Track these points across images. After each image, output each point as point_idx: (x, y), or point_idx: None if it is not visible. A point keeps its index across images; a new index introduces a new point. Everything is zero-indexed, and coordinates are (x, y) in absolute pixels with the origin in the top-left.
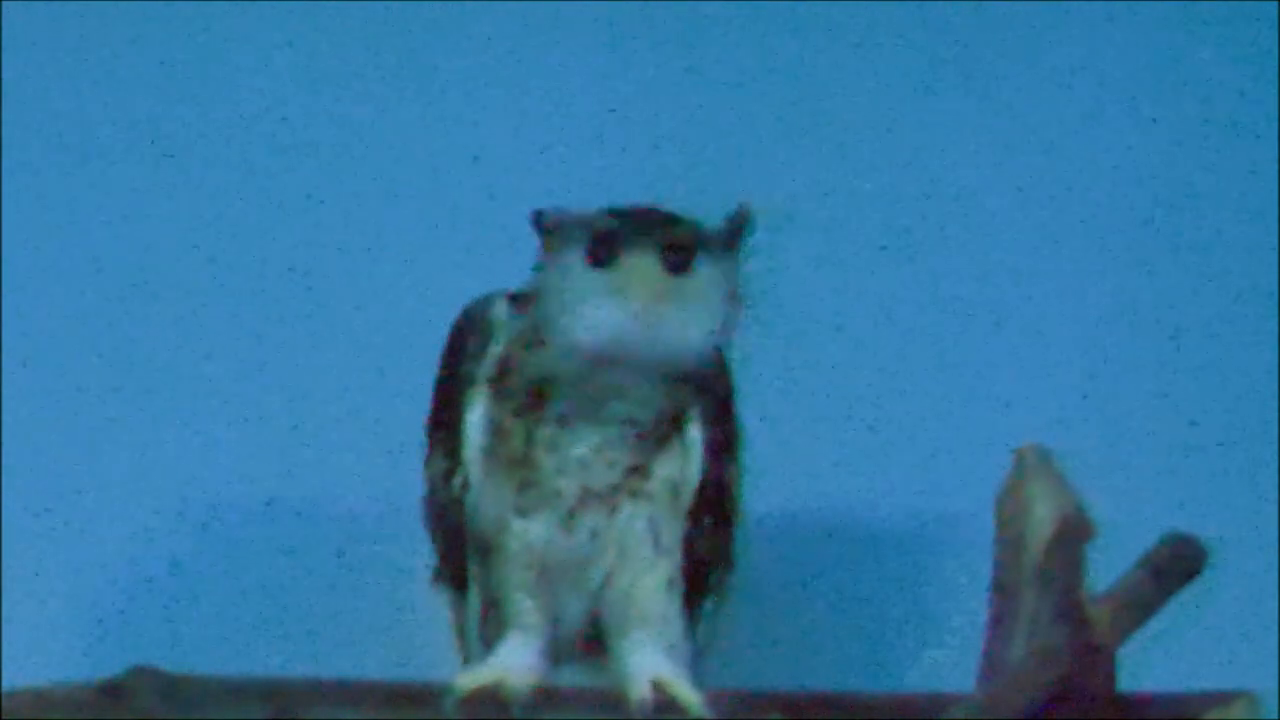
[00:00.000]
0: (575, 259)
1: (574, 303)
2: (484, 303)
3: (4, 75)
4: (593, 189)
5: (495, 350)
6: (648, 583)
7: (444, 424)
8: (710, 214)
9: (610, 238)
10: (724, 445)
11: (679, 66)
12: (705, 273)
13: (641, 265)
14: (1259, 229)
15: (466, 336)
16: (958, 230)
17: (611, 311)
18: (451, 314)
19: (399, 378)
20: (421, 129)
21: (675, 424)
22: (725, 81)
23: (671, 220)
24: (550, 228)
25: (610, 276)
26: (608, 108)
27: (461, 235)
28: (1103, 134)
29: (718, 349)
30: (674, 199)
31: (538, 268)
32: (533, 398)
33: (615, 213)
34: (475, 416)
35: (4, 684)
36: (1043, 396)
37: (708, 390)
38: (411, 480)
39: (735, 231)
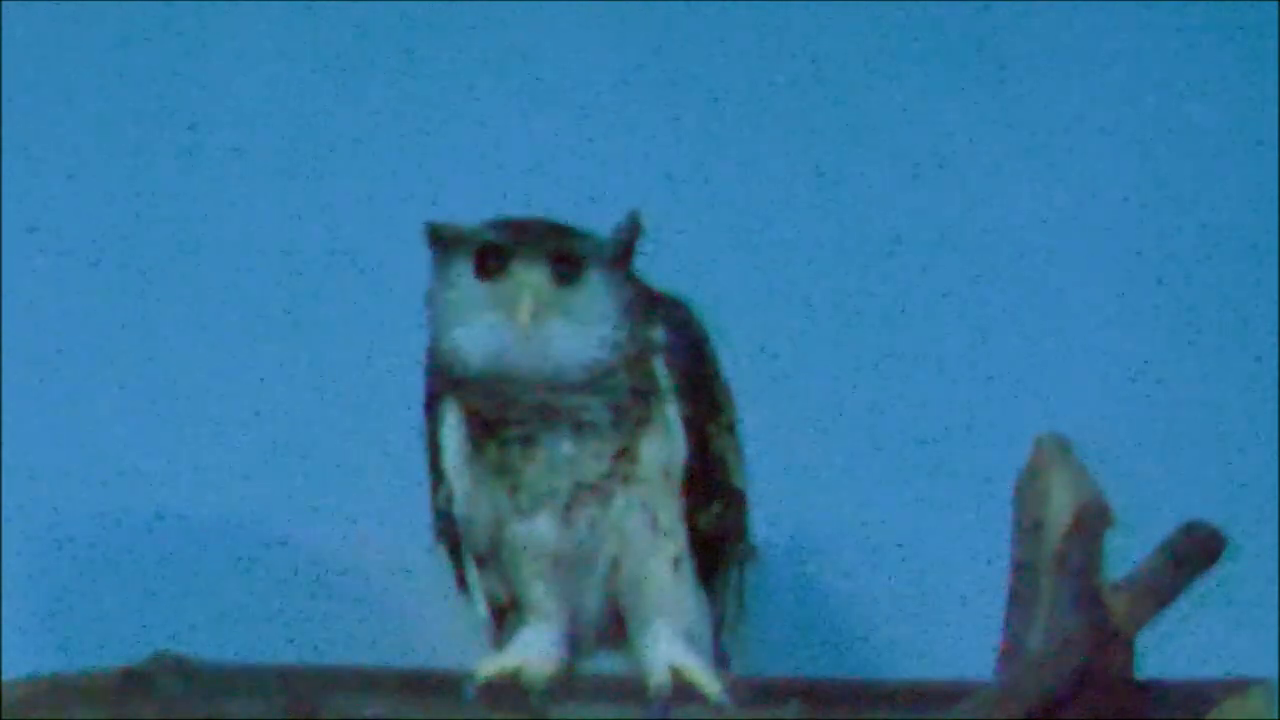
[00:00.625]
0: (464, 271)
1: (463, 316)
2: None
3: (4, 75)
4: (606, 169)
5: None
6: (654, 566)
7: (428, 435)
8: (717, 212)
9: (498, 249)
10: (707, 417)
11: (680, 66)
12: (595, 284)
13: (529, 277)
14: None
15: (432, 349)
16: (976, 221)
17: (498, 325)
18: None
19: (409, 366)
20: (418, 139)
21: (646, 406)
22: (729, 80)
23: (560, 231)
24: (441, 240)
25: (498, 289)
26: (600, 110)
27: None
28: (1116, 127)
29: (692, 320)
30: (675, 200)
31: (431, 281)
32: (487, 413)
33: (503, 224)
34: (449, 429)
35: (24, 671)
36: (1061, 383)
37: (680, 367)
38: (424, 471)
39: (626, 240)
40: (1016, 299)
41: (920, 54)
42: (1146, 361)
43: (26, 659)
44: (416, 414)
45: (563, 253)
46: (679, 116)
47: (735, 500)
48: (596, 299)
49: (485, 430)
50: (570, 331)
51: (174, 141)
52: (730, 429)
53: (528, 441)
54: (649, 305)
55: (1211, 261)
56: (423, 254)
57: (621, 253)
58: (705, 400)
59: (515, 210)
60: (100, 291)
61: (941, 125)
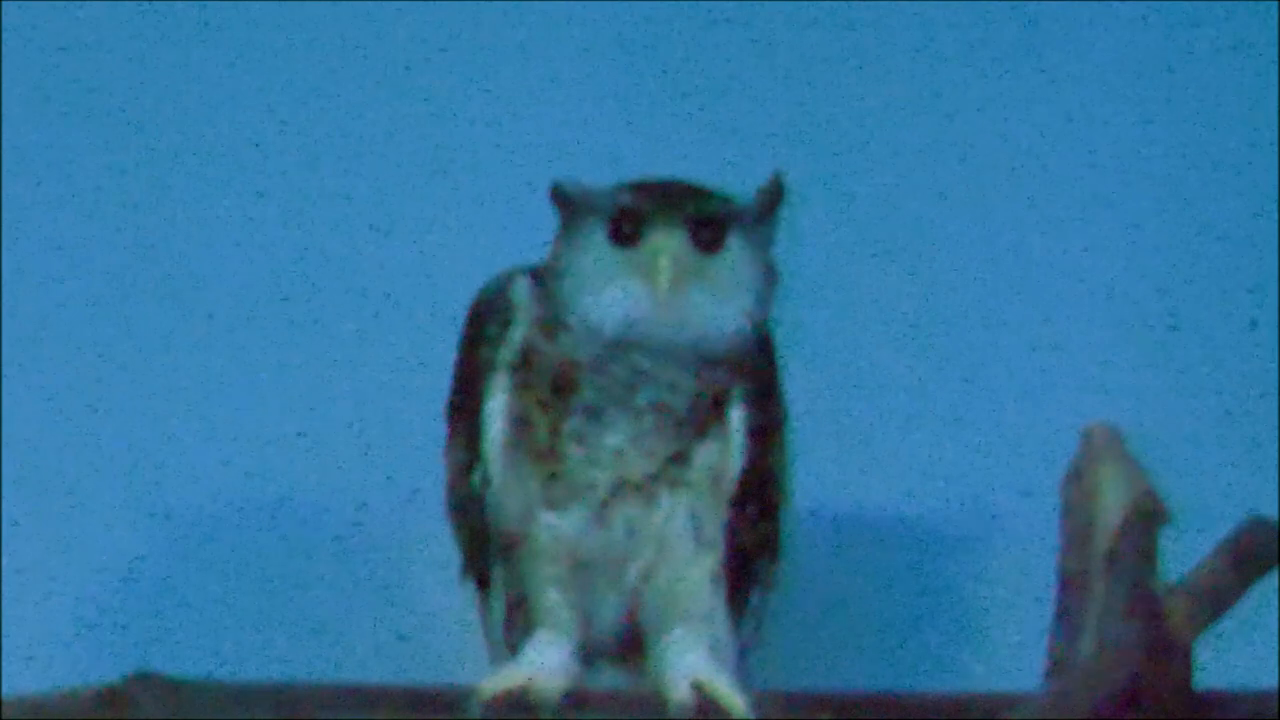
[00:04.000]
0: (597, 237)
1: (595, 284)
2: (503, 281)
3: (4, 75)
4: (607, 167)
5: (516, 333)
6: (690, 579)
7: (463, 413)
8: (739, 182)
9: (634, 214)
10: (768, 429)
11: (690, 56)
12: (737, 250)
13: (668, 243)
14: None
15: (485, 318)
16: (1011, 211)
17: (636, 294)
18: (468, 293)
19: (412, 364)
20: (434, 105)
21: (715, 408)
22: (739, 74)
23: (700, 194)
24: (570, 203)
25: (634, 256)
26: (624, 87)
27: (477, 209)
28: (1134, 121)
29: (760, 326)
30: (695, 168)
31: (557, 245)
32: (557, 386)
33: (639, 186)
34: (495, 405)
35: (3, 690)
36: (1110, 373)
37: (748, 371)
38: (427, 473)
39: (768, 204)
40: (1064, 284)
41: (921, 54)
42: (1202, 347)
43: (23, 678)
44: (421, 415)
45: (703, 217)
46: (691, 107)
47: (777, 521)
48: (738, 266)
49: (543, 406)
50: (711, 300)
51: (178, 128)
52: (785, 448)
53: (592, 417)
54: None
55: (1257, 249)
56: (435, 229)
57: (764, 217)
58: (770, 412)
59: (531, 183)
60: (104, 294)
61: (947, 126)
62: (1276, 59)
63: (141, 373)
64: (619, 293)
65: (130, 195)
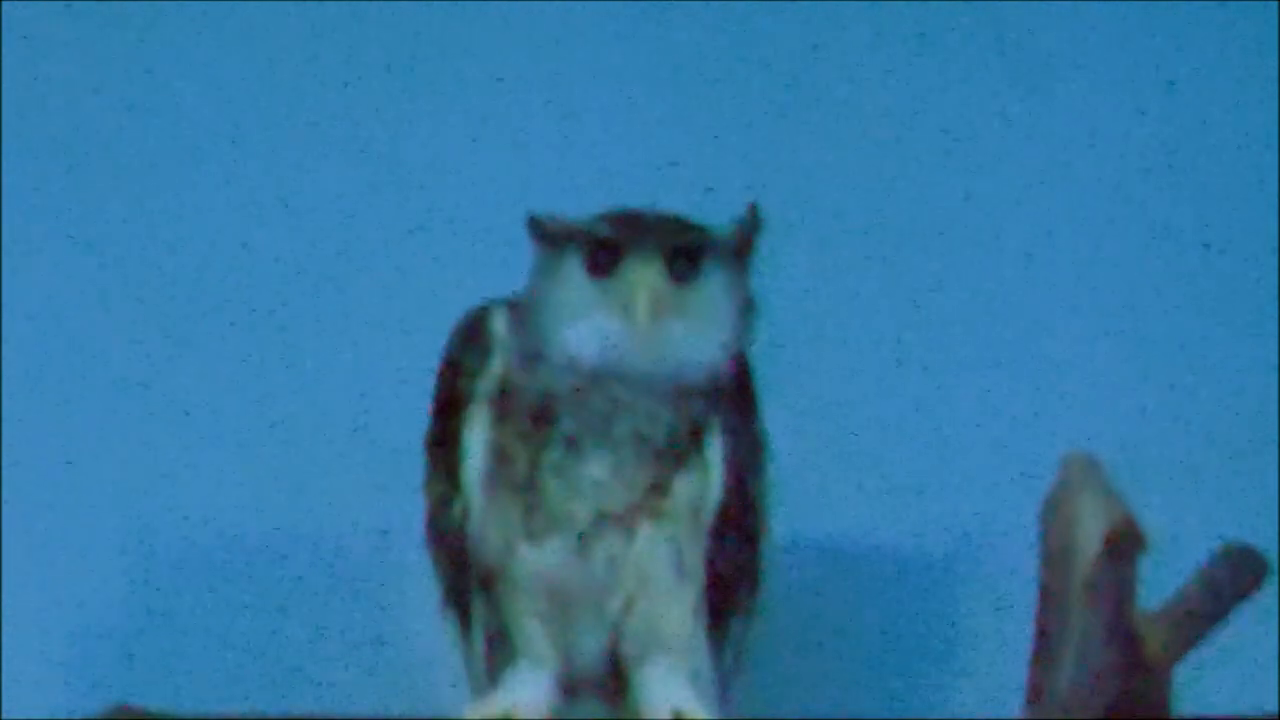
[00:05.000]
0: (573, 268)
1: (572, 315)
2: (482, 313)
3: (4, 75)
4: (593, 192)
5: (495, 365)
6: (671, 610)
7: (442, 445)
8: (719, 215)
9: (610, 245)
10: (747, 459)
11: (681, 64)
12: (713, 281)
13: (645, 275)
14: None
15: (464, 351)
16: (992, 236)
17: (612, 325)
18: (448, 324)
19: (394, 394)
20: (419, 132)
21: (694, 439)
22: (730, 78)
23: (676, 224)
24: (546, 234)
25: (611, 287)
26: (610, 107)
27: (457, 240)
28: (1128, 134)
29: (738, 355)
30: (679, 201)
31: (534, 277)
32: (536, 417)
33: (615, 217)
34: (475, 437)
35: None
36: (1087, 402)
37: (727, 401)
38: (408, 506)
39: (745, 234)
40: (1038, 310)
41: (922, 52)
42: (1180, 374)
43: (7, 711)
44: (402, 447)
45: (679, 248)
46: (682, 117)
47: (757, 550)
48: (715, 297)
49: (523, 438)
50: (688, 332)
51: (163, 155)
52: (764, 476)
53: (570, 448)
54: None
55: (1250, 268)
56: (415, 260)
57: (740, 247)
58: (748, 443)
59: (512, 213)
60: (96, 322)
61: (949, 130)
62: (1277, 59)
63: (120, 407)
64: (596, 325)
65: (115, 221)
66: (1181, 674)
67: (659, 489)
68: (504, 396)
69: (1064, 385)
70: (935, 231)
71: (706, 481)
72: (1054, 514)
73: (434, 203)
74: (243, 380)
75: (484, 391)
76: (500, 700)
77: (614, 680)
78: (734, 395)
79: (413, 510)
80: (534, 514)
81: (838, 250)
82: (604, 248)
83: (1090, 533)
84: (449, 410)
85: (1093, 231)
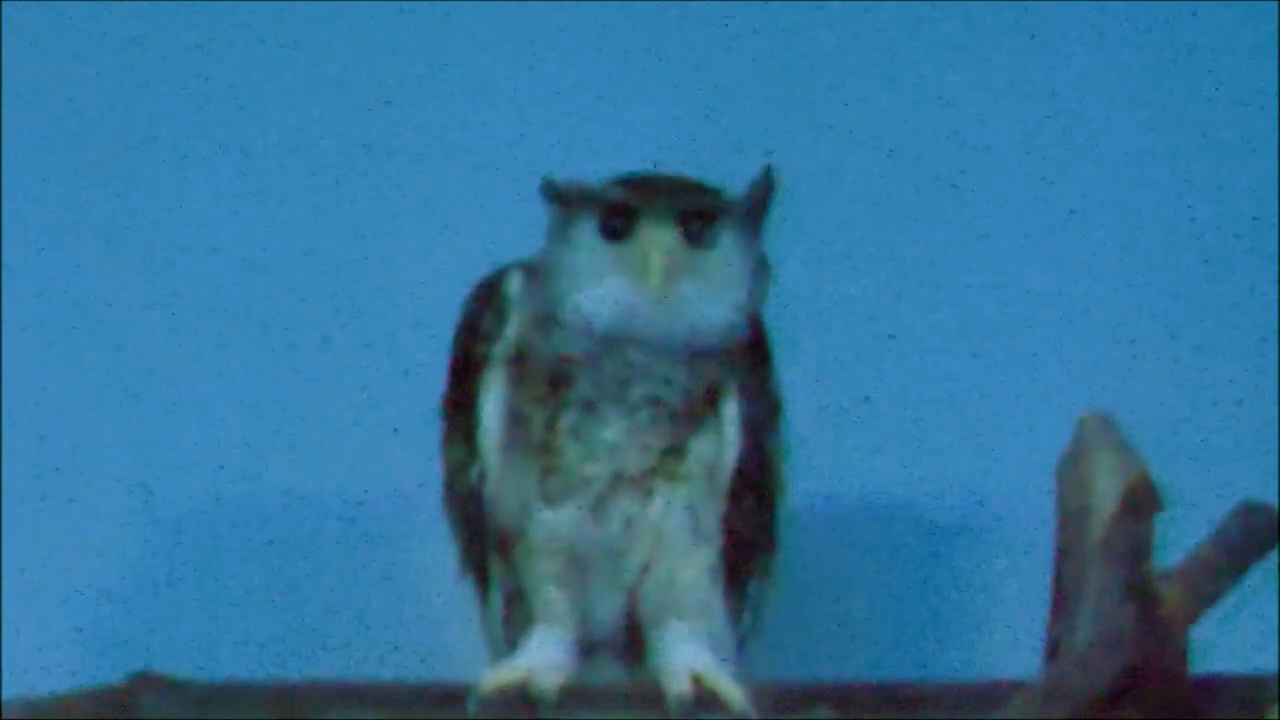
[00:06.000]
0: (588, 232)
1: (587, 280)
2: (498, 277)
3: (4, 75)
4: (604, 158)
5: (510, 329)
6: (688, 572)
7: (459, 409)
8: (729, 181)
9: (625, 209)
10: (762, 421)
11: (685, 53)
12: (728, 243)
13: (658, 238)
14: None
15: (480, 314)
16: (1008, 202)
17: (626, 289)
18: (465, 289)
19: (410, 359)
20: (428, 100)
21: (710, 401)
22: (735, 53)
23: (691, 187)
24: (560, 198)
25: (625, 251)
26: (622, 75)
27: (474, 202)
28: (1133, 114)
29: (754, 318)
30: (688, 167)
31: (549, 240)
32: (552, 381)
33: (629, 181)
34: (491, 401)
35: (4, 691)
36: (1107, 360)
37: (742, 364)
38: (426, 469)
39: (759, 196)
40: (1062, 272)
41: (919, 53)
42: (1199, 333)
43: (24, 680)
44: (420, 409)
45: (693, 211)
46: (689, 89)
47: (774, 513)
48: (729, 260)
49: (539, 401)
50: (702, 294)
51: (178, 121)
52: (780, 439)
53: (586, 410)
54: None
55: (1264, 230)
56: (431, 226)
57: (755, 209)
58: (764, 404)
59: (525, 179)
60: (100, 297)
61: (945, 119)
62: (1277, 59)
63: (137, 372)
64: (610, 288)
65: (127, 191)
66: (1198, 632)
67: (675, 452)
68: (520, 360)
69: (1079, 347)
70: (952, 198)
71: (722, 444)
72: (1070, 473)
73: (448, 168)
74: (259, 347)
75: (499, 355)
76: (518, 665)
77: (631, 643)
78: (749, 358)
79: (430, 473)
80: (551, 477)
81: (855, 222)
82: (618, 211)
83: (1106, 491)
84: (465, 374)
85: (1107, 196)
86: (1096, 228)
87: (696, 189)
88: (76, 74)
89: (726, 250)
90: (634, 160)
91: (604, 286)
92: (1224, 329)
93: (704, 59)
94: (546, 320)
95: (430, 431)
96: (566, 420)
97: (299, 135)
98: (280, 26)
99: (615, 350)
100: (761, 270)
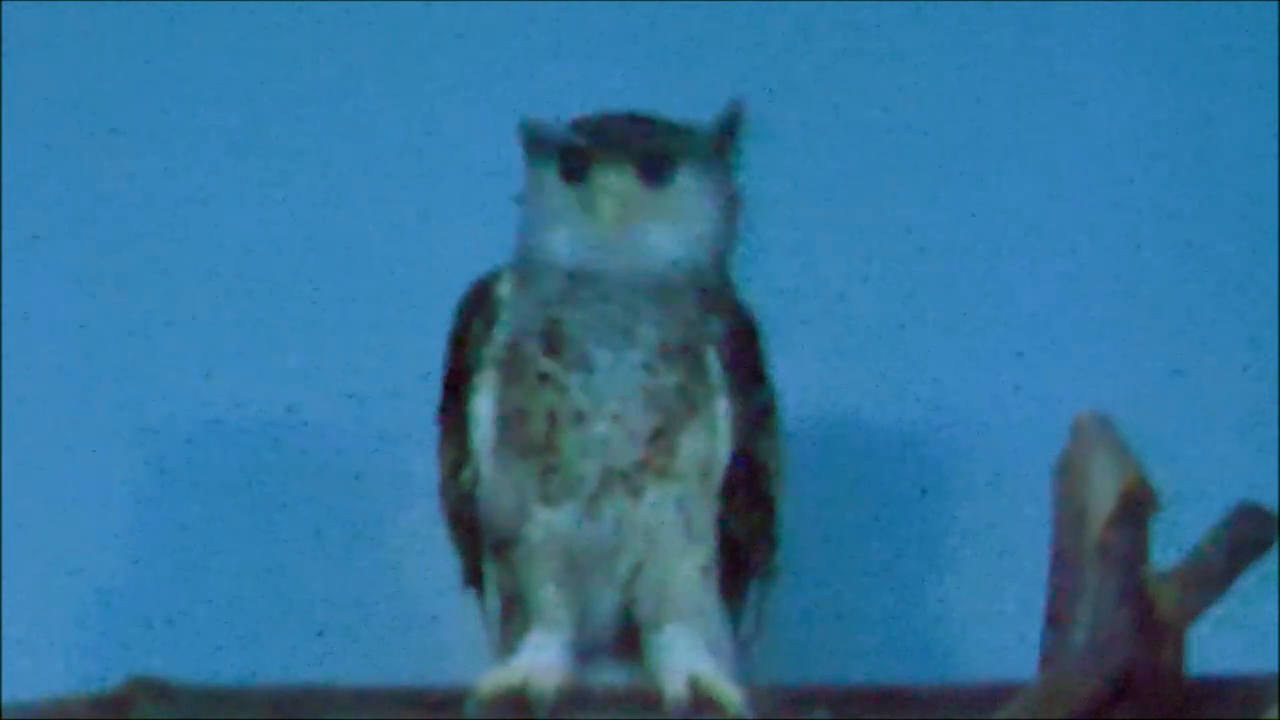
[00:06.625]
0: (550, 174)
1: (550, 221)
2: (488, 279)
3: (4, 75)
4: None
5: (501, 332)
6: (681, 572)
7: (452, 412)
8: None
9: (581, 152)
10: (756, 418)
11: (687, 40)
12: (689, 182)
13: (612, 179)
14: None
15: (470, 317)
16: (1005, 200)
17: (585, 230)
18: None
19: (411, 360)
20: (427, 95)
21: (691, 355)
22: (736, 52)
23: (649, 127)
24: (530, 141)
25: (582, 193)
26: (620, 74)
27: (474, 201)
28: (1133, 104)
29: (748, 314)
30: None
31: (524, 182)
32: (550, 340)
33: (589, 122)
34: (483, 404)
35: (2, 695)
36: (1104, 358)
37: (733, 361)
38: (428, 470)
39: (724, 134)
40: (1053, 270)
41: (919, 45)
42: (1193, 333)
43: (18, 684)
44: (423, 409)
45: (650, 152)
46: (678, 89)
47: (770, 510)
48: (690, 197)
49: (537, 398)
50: (661, 231)
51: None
52: (775, 435)
53: (579, 364)
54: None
55: (1262, 230)
56: (429, 227)
57: (719, 145)
58: (754, 401)
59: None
60: (101, 295)
61: (945, 112)
62: (1277, 59)
63: (139, 372)
64: (570, 229)
65: (126, 190)
66: (1195, 633)
67: (663, 440)
68: (512, 361)
69: (1075, 345)
70: (951, 197)
71: (714, 441)
72: (1066, 474)
73: (451, 164)
74: (262, 346)
75: (490, 358)
76: (516, 666)
77: (630, 644)
78: (740, 355)
79: (431, 475)
80: (550, 476)
81: (847, 212)
82: (575, 154)
83: (1103, 493)
84: (457, 378)
85: (1107, 195)
86: (1094, 227)
87: (656, 129)
88: (71, 71)
89: (687, 187)
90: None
91: (564, 228)
92: (1222, 328)
93: (703, 59)
94: (530, 272)
95: (433, 430)
96: (565, 413)
97: (298, 134)
98: (282, 16)
99: (594, 292)
100: (732, 204)
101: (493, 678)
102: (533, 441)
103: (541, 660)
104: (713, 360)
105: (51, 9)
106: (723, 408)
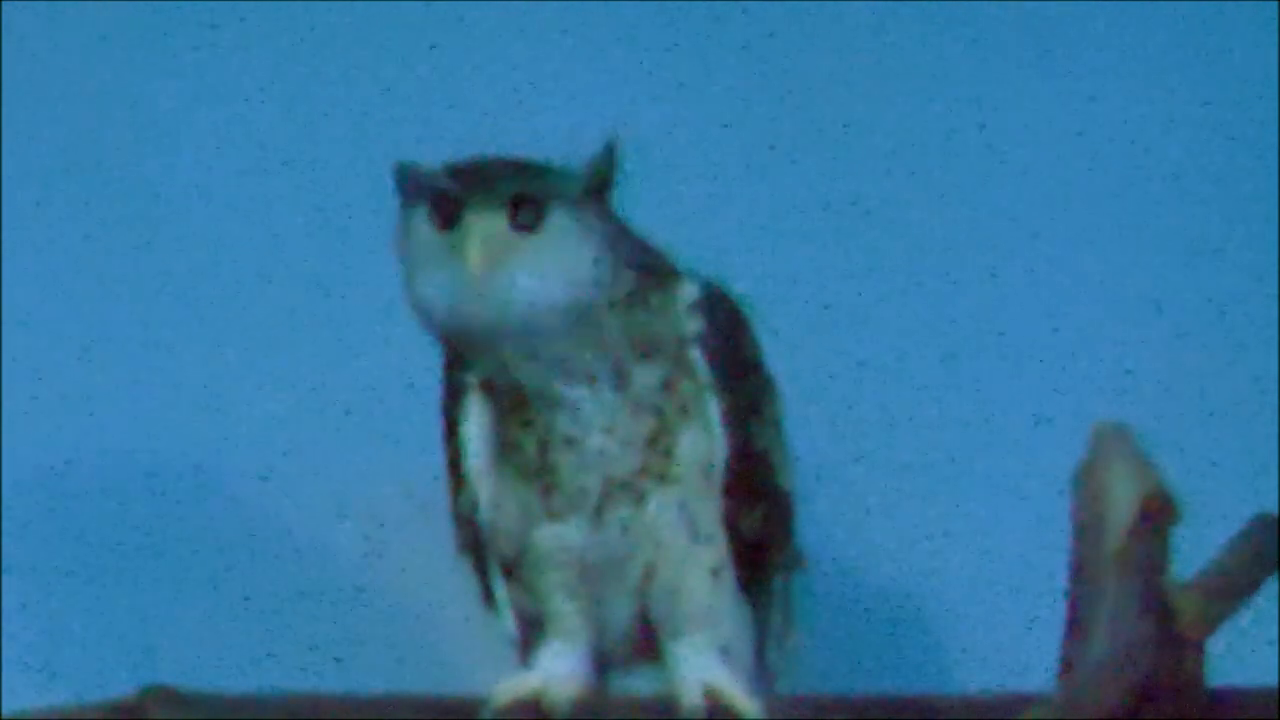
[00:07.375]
0: (422, 219)
1: (424, 269)
2: None
3: (4, 75)
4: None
5: (472, 370)
6: (690, 576)
7: (449, 438)
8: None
9: (450, 197)
10: (748, 411)
11: (690, 51)
12: (561, 225)
13: (481, 225)
14: None
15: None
16: (1015, 205)
17: (454, 277)
18: None
19: (422, 367)
20: (420, 114)
21: (681, 395)
22: (734, 54)
23: (519, 171)
24: (402, 186)
25: (452, 239)
26: (624, 83)
27: None
28: (1137, 115)
29: (731, 307)
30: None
31: (396, 228)
32: (513, 393)
33: (459, 167)
34: (472, 428)
35: (6, 708)
36: (1121, 369)
37: (716, 358)
38: (438, 480)
39: (599, 172)
40: (1070, 279)
41: (922, 52)
42: (1212, 343)
43: (32, 693)
44: (433, 432)
45: (521, 196)
46: (682, 103)
47: (781, 502)
48: (563, 241)
49: (526, 421)
50: (532, 278)
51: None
52: (775, 424)
53: (554, 403)
54: (650, 255)
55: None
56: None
57: (594, 187)
58: (746, 393)
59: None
60: (105, 307)
61: (947, 126)
62: (1277, 59)
63: (146, 381)
64: (442, 277)
65: (124, 192)
66: (1215, 644)
67: (660, 444)
68: (493, 389)
69: (1091, 355)
70: (958, 213)
71: (709, 440)
72: (1085, 484)
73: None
74: (273, 358)
75: (474, 380)
76: (532, 675)
77: (648, 651)
78: (726, 348)
79: (442, 486)
80: (552, 493)
81: (864, 233)
82: (444, 200)
83: (1122, 503)
84: (450, 404)
85: (1110, 210)
86: (1106, 235)
87: (526, 173)
88: (77, 72)
89: (559, 232)
90: (644, 155)
91: (437, 275)
92: (1243, 338)
93: (704, 58)
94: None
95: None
96: (556, 439)
97: (298, 134)
98: (283, 17)
99: (463, 340)
100: (614, 245)
101: (509, 685)
102: (529, 465)
103: (559, 669)
104: (697, 358)
105: (51, 9)
106: (713, 405)
